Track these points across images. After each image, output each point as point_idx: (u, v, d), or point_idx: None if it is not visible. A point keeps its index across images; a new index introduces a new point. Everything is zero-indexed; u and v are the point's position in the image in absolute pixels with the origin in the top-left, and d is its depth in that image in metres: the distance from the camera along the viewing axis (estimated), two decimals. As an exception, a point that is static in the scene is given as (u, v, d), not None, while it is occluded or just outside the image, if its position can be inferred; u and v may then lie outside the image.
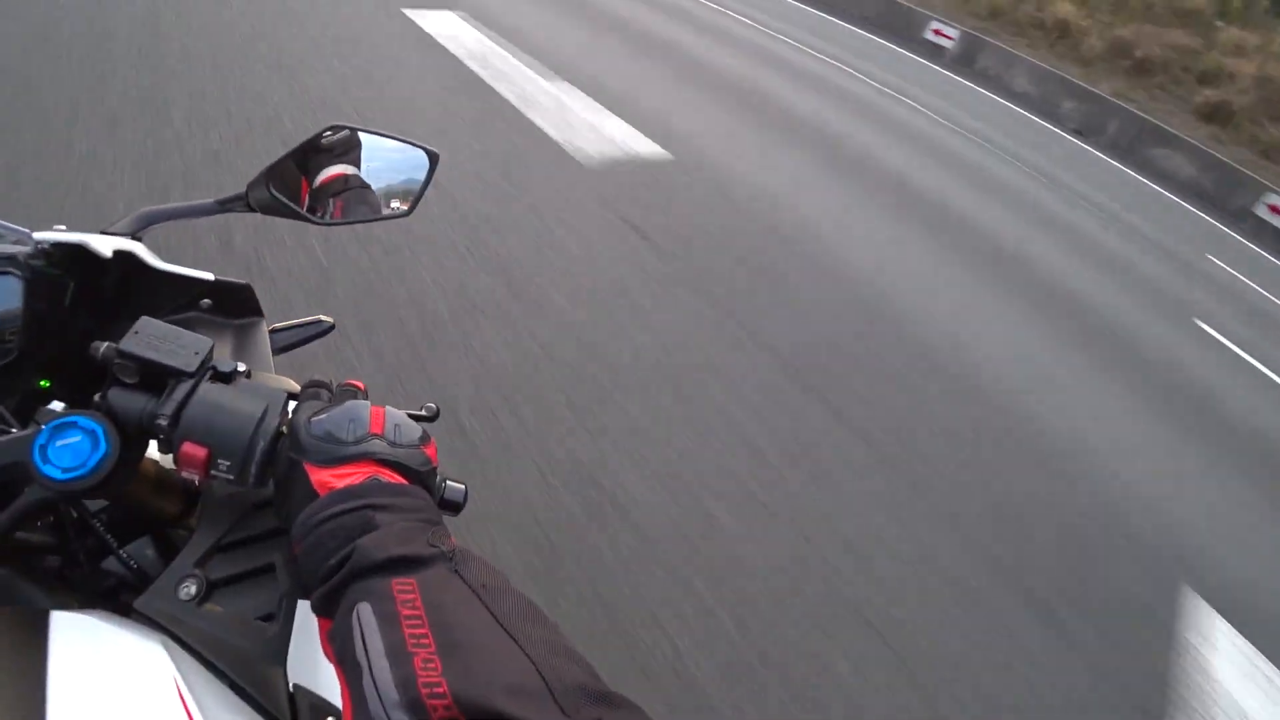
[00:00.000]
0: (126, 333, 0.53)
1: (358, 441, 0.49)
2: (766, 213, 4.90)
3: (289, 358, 0.86)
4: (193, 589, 0.54)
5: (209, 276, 0.73)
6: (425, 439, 0.53)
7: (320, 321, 0.91)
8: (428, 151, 0.85)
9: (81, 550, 0.61)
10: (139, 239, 0.72)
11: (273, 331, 0.81)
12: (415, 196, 0.86)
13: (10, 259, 0.63)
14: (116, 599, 0.60)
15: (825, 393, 3.28)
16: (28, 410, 0.60)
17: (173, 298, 0.72)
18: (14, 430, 0.57)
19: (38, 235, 0.64)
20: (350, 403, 0.53)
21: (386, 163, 0.86)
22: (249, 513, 0.58)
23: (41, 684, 0.38)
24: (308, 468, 0.49)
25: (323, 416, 0.51)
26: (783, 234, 4.69)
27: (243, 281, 0.75)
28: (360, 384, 0.60)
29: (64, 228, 0.66)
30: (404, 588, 0.39)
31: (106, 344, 0.53)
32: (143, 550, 0.65)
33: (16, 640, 0.42)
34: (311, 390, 0.59)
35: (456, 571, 0.42)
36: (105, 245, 0.66)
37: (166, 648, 0.47)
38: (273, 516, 0.57)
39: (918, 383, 3.70)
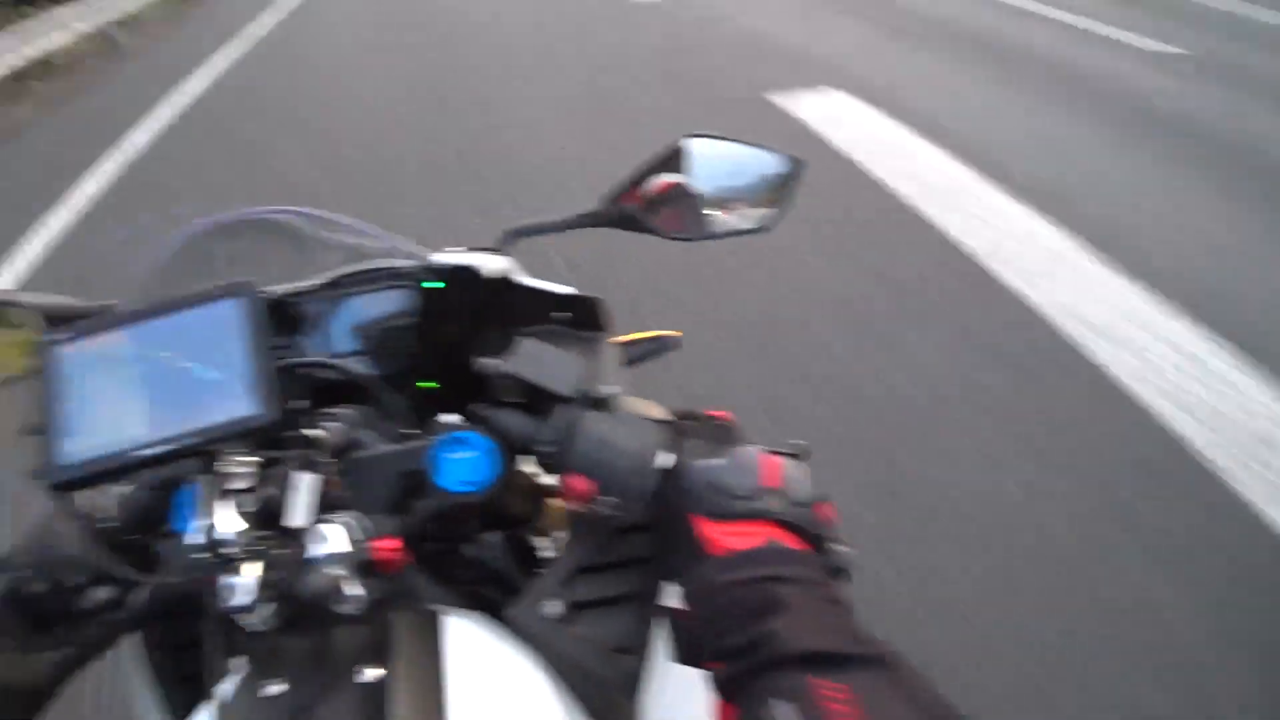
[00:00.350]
0: (507, 351, 0.55)
1: (752, 496, 0.46)
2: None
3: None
4: (559, 609, 0.56)
5: (567, 291, 0.75)
6: (821, 497, 0.49)
7: (666, 337, 0.90)
8: (791, 158, 0.76)
9: (454, 545, 0.65)
10: (508, 254, 0.75)
11: (620, 345, 0.80)
12: (780, 208, 0.77)
13: (408, 275, 0.71)
14: (476, 593, 0.63)
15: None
16: (415, 410, 0.66)
17: (533, 310, 0.75)
18: (408, 430, 0.61)
19: (434, 257, 0.70)
20: (742, 449, 0.50)
21: (732, 170, 0.79)
22: (614, 536, 0.58)
23: (439, 683, 0.42)
24: (695, 520, 0.46)
25: (711, 462, 0.49)
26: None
27: (596, 296, 0.76)
28: (729, 416, 0.57)
29: (454, 249, 0.72)
30: (832, 693, 0.36)
31: (487, 359, 0.55)
32: (495, 549, 0.69)
33: (418, 638, 0.46)
34: (688, 424, 0.56)
35: (895, 682, 0.37)
36: (487, 263, 0.71)
37: (539, 665, 0.50)
38: (636, 543, 0.57)
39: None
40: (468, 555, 0.67)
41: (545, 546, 0.85)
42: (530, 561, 0.79)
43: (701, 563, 0.45)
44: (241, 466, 0.47)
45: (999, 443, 2.07)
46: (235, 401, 0.43)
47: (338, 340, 0.72)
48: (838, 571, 0.49)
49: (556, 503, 0.68)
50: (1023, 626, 1.63)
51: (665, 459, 0.51)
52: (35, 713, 0.50)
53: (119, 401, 0.44)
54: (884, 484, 1.93)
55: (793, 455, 0.53)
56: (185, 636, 0.60)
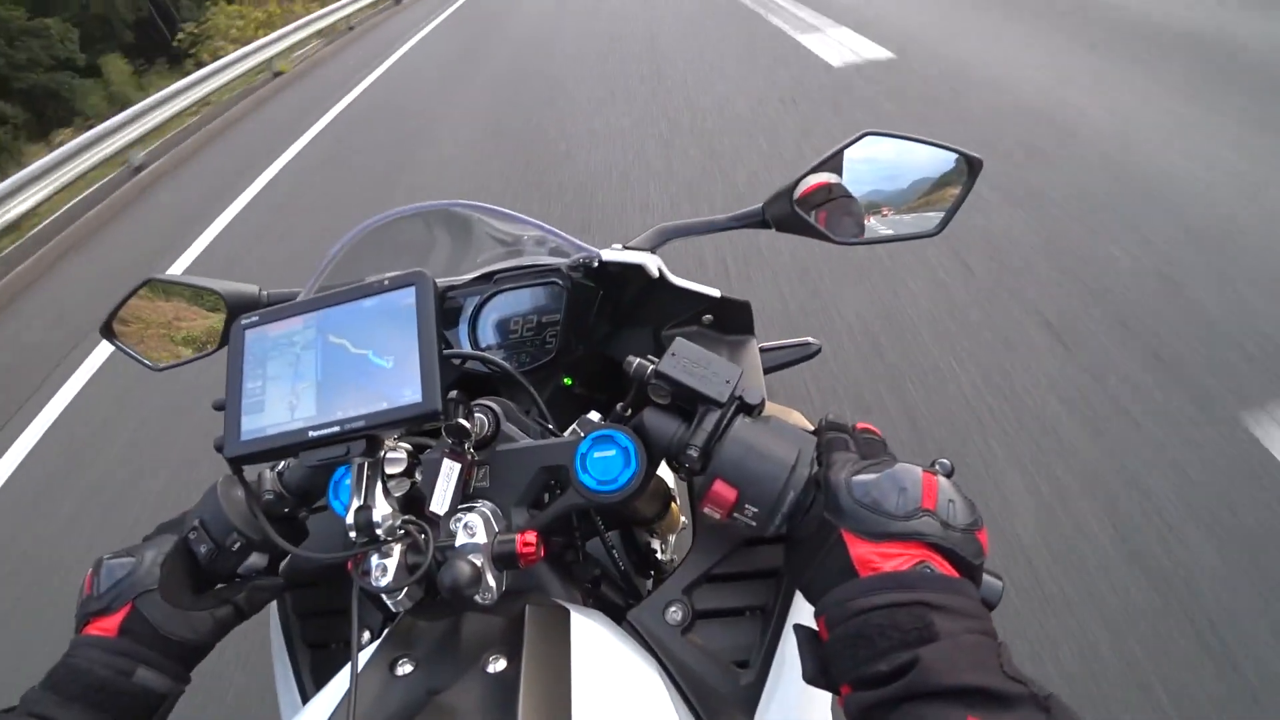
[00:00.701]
0: (658, 350, 0.54)
1: (908, 516, 0.43)
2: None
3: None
4: (679, 615, 0.55)
5: (715, 293, 0.73)
6: (978, 522, 0.45)
7: (808, 344, 0.87)
8: (967, 157, 0.69)
9: (577, 541, 0.64)
10: (657, 252, 0.74)
11: (762, 350, 0.77)
12: (948, 210, 0.70)
13: (555, 271, 0.71)
14: (596, 589, 0.63)
15: None
16: (553, 405, 0.65)
17: (679, 311, 0.74)
18: (550, 425, 0.62)
19: (605, 254, 0.70)
20: (900, 466, 0.46)
21: (901, 169, 0.72)
22: (740, 547, 0.57)
23: (566, 680, 0.41)
24: (846, 536, 0.44)
25: (867, 478, 0.46)
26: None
27: (743, 299, 0.73)
28: (878, 431, 0.53)
29: (619, 246, 0.72)
30: None
31: (639, 360, 0.53)
32: (615, 547, 0.67)
33: (547, 633, 0.46)
34: (836, 436, 0.51)
35: None
36: (638, 261, 0.70)
37: (658, 669, 0.50)
38: (764, 554, 0.56)
39: None
40: (589, 551, 0.66)
41: (662, 548, 0.84)
42: (646, 561, 0.78)
43: (847, 581, 0.43)
44: (397, 452, 0.49)
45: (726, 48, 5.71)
46: (403, 390, 0.44)
47: (484, 332, 0.74)
48: (990, 604, 0.45)
49: (676, 507, 0.66)
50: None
51: (809, 468, 0.49)
52: (192, 665, 0.54)
53: (295, 383, 0.47)
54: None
55: (948, 474, 0.48)
56: (324, 606, 0.64)
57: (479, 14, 10.90)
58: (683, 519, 0.84)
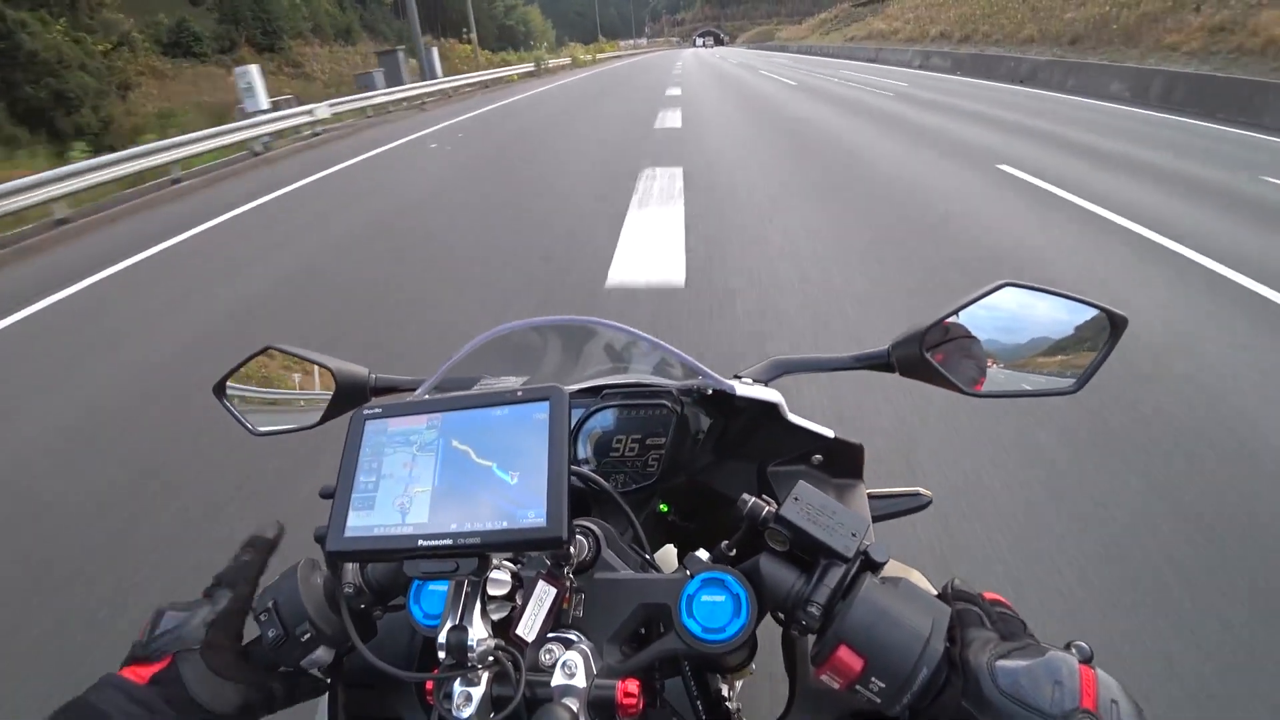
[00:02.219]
0: (770, 490, 0.55)
1: (1065, 717, 0.38)
2: None
3: None
4: None
5: (829, 433, 0.70)
6: None
7: (919, 495, 0.82)
8: (1110, 314, 0.66)
9: (657, 684, 0.58)
10: (774, 387, 0.73)
11: (870, 498, 0.73)
12: (1087, 368, 0.66)
13: (667, 394, 0.70)
14: None
15: None
16: (645, 531, 0.62)
17: (788, 448, 0.71)
18: (648, 555, 0.59)
19: (739, 389, 0.68)
20: (1053, 654, 0.41)
21: (1040, 321, 0.69)
22: (844, 719, 0.51)
23: None
24: None
25: (1013, 665, 0.41)
26: None
27: (857, 443, 0.71)
28: (1009, 603, 0.48)
29: (749, 380, 0.71)
30: None
31: (755, 500, 0.50)
32: (687, 691, 0.61)
33: None
34: (969, 609, 0.46)
35: None
36: (776, 399, 0.68)
37: None
38: None
39: None
40: (665, 697, 0.60)
41: (729, 694, 0.76)
42: (715, 709, 0.71)
43: None
44: (501, 572, 0.46)
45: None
46: (526, 511, 0.42)
47: (583, 447, 0.72)
48: None
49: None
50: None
51: (943, 643, 0.44)
52: None
53: (410, 485, 0.45)
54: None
55: (1088, 659, 0.42)
56: (379, 713, 0.60)
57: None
58: (752, 666, 0.78)
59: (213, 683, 0.49)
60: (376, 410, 0.49)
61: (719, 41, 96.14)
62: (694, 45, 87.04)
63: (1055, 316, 0.68)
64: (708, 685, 0.70)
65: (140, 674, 0.49)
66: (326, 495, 0.47)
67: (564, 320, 0.74)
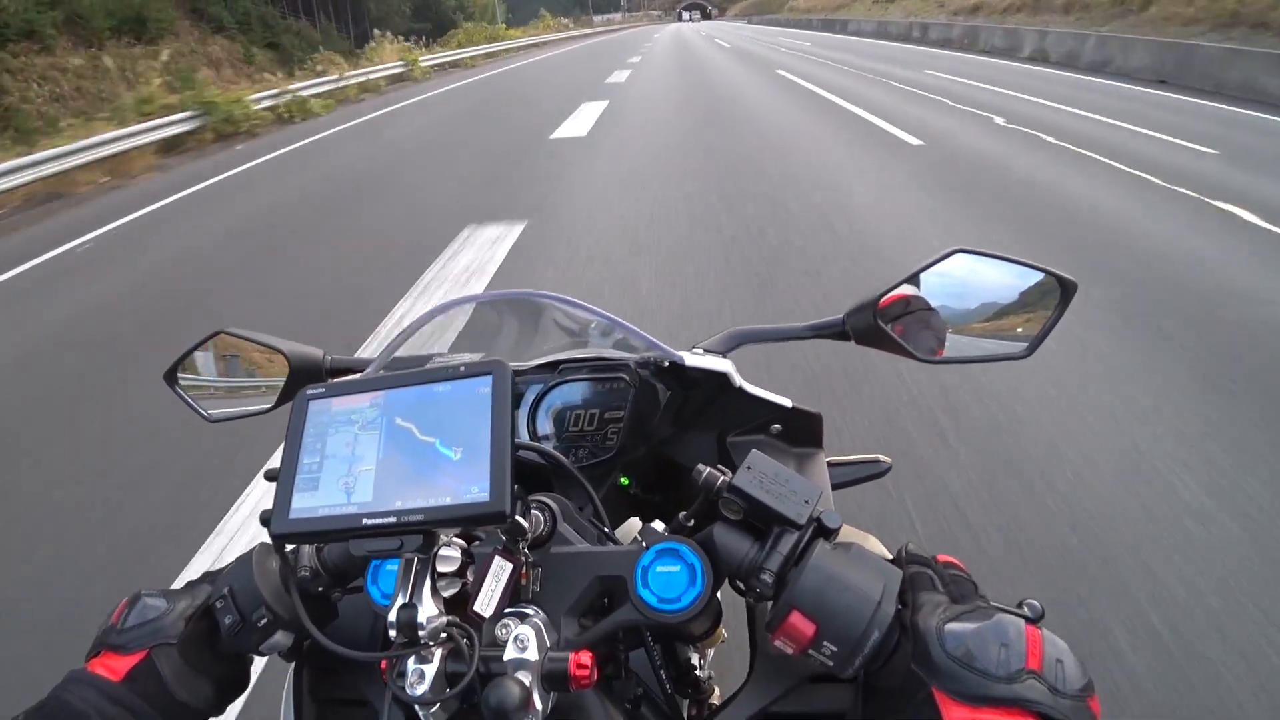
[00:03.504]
0: (730, 462, 0.54)
1: (1010, 679, 0.39)
2: None
3: None
4: None
5: (786, 403, 0.70)
6: (1090, 687, 0.40)
7: (879, 461, 0.83)
8: (1060, 279, 0.66)
9: (621, 654, 0.59)
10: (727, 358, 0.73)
11: (830, 466, 0.74)
12: (1040, 333, 0.67)
13: (624, 366, 0.70)
14: (637, 710, 0.58)
15: None
16: (605, 504, 0.62)
17: (747, 418, 0.71)
18: (606, 528, 0.58)
19: (688, 359, 0.68)
20: (1000, 618, 0.42)
21: (989, 287, 0.70)
22: (803, 683, 0.52)
23: None
24: (938, 696, 0.40)
25: (961, 628, 0.41)
26: None
27: (815, 411, 0.71)
28: (963, 566, 0.49)
29: (701, 350, 0.71)
30: None
31: (710, 470, 0.50)
32: (654, 664, 0.63)
33: None
34: (921, 572, 0.47)
35: None
36: (728, 369, 0.68)
37: None
38: (828, 696, 0.52)
39: None
40: (631, 667, 0.61)
41: (700, 663, 0.78)
42: (683, 678, 0.72)
43: None
44: (450, 549, 0.46)
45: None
46: (470, 486, 0.41)
47: (542, 422, 0.72)
48: None
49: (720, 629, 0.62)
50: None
51: (893, 606, 0.44)
52: None
53: (354, 464, 0.44)
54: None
55: (1038, 617, 0.43)
56: (342, 694, 0.60)
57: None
58: (723, 633, 0.79)
59: (189, 677, 0.49)
60: (320, 390, 0.48)
61: (705, 15, 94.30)
62: (678, 20, 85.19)
63: (1005, 281, 0.69)
64: (676, 654, 0.72)
65: (113, 668, 0.48)
66: (271, 478, 0.47)
67: (510, 294, 0.73)
